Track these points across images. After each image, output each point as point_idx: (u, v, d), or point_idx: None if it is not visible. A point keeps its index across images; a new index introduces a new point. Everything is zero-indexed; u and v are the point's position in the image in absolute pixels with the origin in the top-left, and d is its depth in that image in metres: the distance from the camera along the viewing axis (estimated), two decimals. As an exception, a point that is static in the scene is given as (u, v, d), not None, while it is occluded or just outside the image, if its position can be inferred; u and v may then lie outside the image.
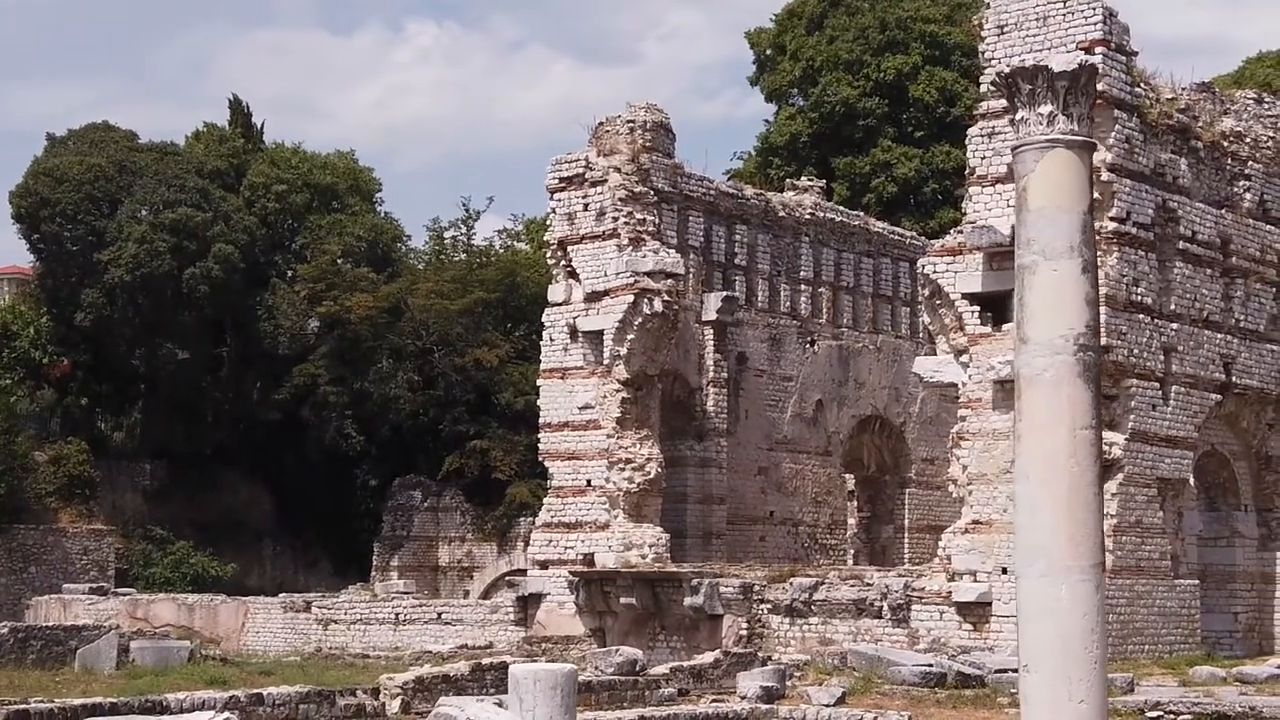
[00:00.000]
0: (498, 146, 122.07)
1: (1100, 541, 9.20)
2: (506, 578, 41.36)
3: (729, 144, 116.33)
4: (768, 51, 58.49)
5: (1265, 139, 30.15)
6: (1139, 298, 26.80)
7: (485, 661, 23.18)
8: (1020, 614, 9.40)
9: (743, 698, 19.54)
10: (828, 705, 18.67)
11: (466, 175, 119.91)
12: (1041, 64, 9.38)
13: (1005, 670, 21.21)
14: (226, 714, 11.31)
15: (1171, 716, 17.44)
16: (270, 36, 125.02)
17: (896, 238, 41.15)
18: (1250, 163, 29.60)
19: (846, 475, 39.95)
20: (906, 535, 39.92)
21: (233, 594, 42.59)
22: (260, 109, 58.42)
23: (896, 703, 19.65)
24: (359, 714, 17.15)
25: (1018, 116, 9.57)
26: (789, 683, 21.02)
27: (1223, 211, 28.94)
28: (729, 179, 42.64)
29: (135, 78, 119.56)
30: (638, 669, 20.32)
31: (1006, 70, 9.68)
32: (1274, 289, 30.17)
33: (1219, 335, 28.64)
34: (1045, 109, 9.33)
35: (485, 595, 47.44)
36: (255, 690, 16.19)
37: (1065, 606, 8.91)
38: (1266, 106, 31.02)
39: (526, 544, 48.80)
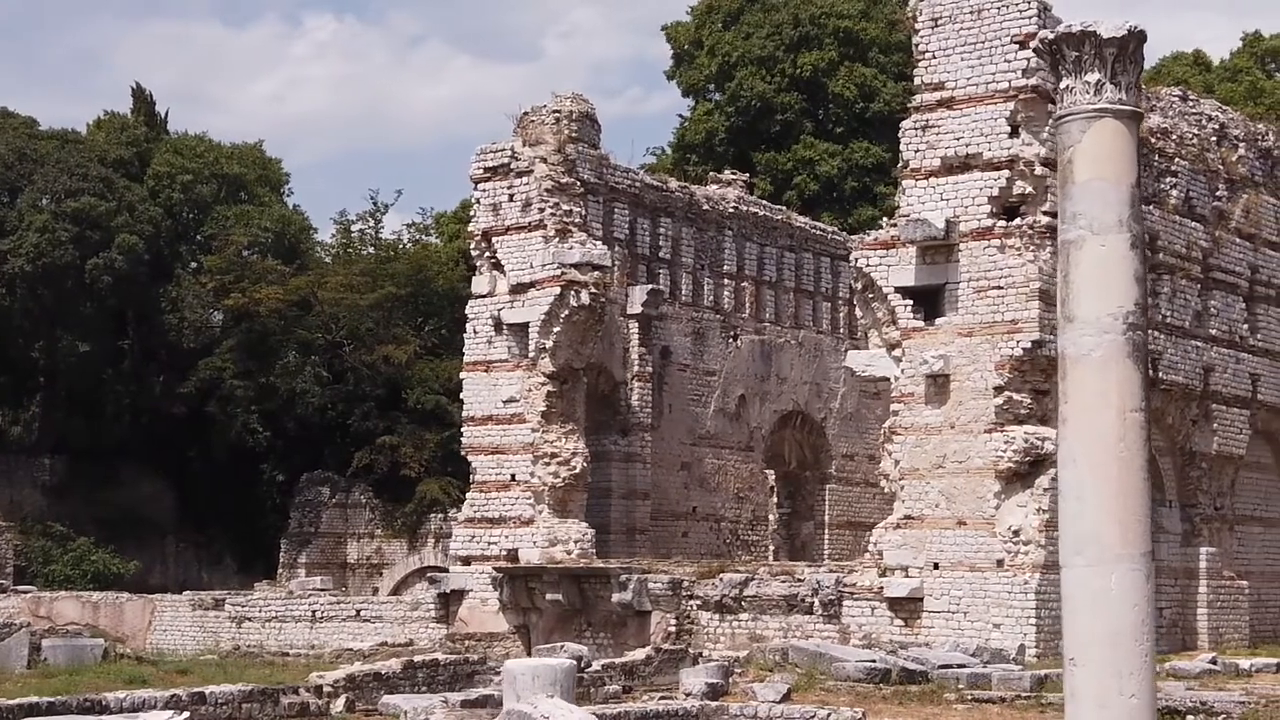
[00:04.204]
0: (397, 141, 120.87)
1: (1149, 529, 8.91)
2: (427, 573, 40.73)
3: (632, 141, 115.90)
4: (685, 46, 58.23)
5: (1190, 136, 30.30)
6: (1071, 293, 26.74)
7: (417, 659, 22.76)
8: (1065, 606, 9.05)
9: (687, 694, 19.18)
10: (775, 702, 18.36)
11: (366, 170, 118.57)
12: (1089, 29, 9.08)
13: (949, 666, 21.08)
14: (185, 714, 10.76)
15: (1125, 711, 17.25)
16: (165, 27, 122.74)
17: (818, 233, 41.01)
18: (1176, 160, 29.71)
19: (768, 471, 39.74)
20: (827, 531, 39.78)
21: (135, 591, 41.64)
22: (157, 99, 57.64)
23: (843, 699, 19.39)
24: (302, 713, 16.59)
25: (1062, 85, 9.26)
26: (730, 679, 20.70)
27: (1150, 208, 28.97)
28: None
29: (28, 66, 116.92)
30: (582, 666, 19.89)
31: (1050, 36, 9.39)
32: (1198, 286, 30.33)
33: (1146, 332, 28.69)
34: (1092, 77, 9.05)
35: (395, 592, 46.86)
36: (197, 689, 15.59)
37: (1115, 597, 8.58)
38: (1191, 105, 31.20)
39: (437, 541, 48.49)
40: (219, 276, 53.32)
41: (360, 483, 50.29)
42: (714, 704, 18.20)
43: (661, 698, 18.90)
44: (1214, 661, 23.56)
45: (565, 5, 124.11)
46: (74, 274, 51.05)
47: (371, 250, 58.29)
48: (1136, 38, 9.14)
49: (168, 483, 54.89)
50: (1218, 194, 30.96)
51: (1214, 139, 31.27)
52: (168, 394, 54.02)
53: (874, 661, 21.11)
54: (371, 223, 59.03)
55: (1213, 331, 30.68)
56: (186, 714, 10.82)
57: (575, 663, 11.17)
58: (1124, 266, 9.10)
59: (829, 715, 17.02)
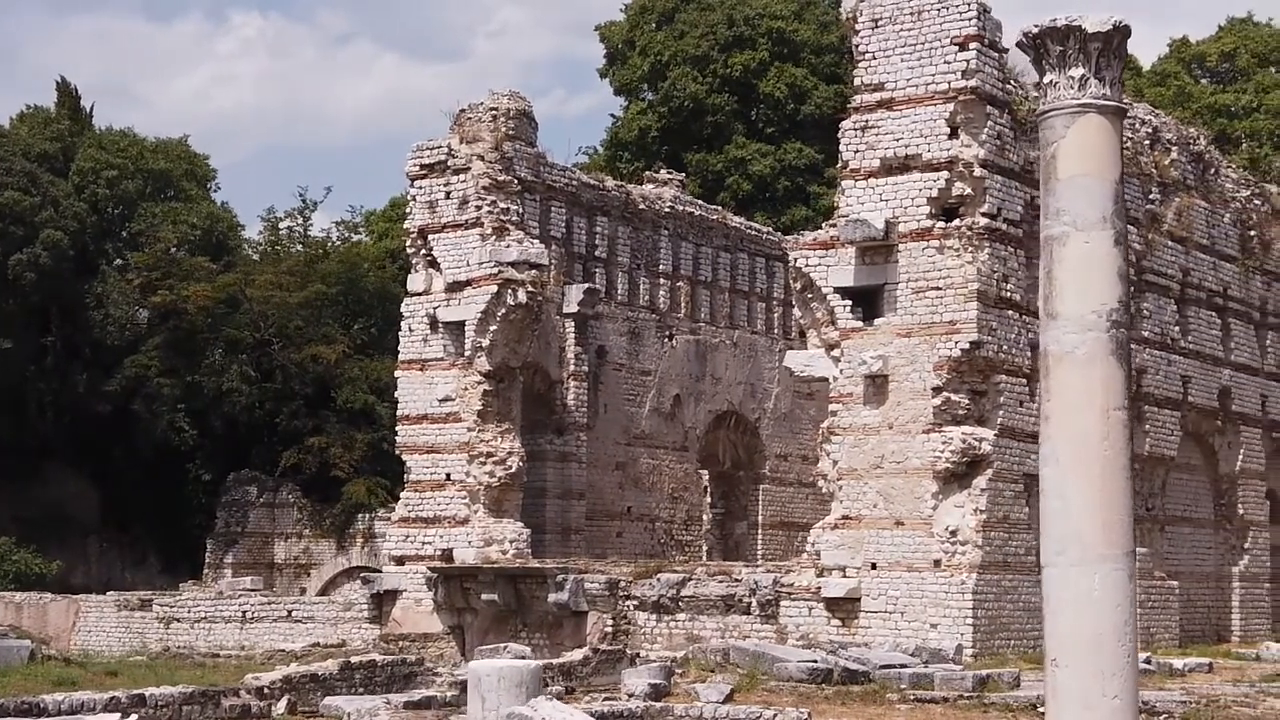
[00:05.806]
0: (325, 139, 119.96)
1: (1132, 529, 8.85)
2: (357, 573, 40.37)
3: (568, 140, 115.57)
4: (618, 45, 58.13)
5: (1125, 141, 30.49)
6: (1008, 294, 26.91)
7: (354, 660, 22.44)
8: (1047, 606, 8.96)
9: (630, 695, 19.02)
10: (719, 702, 18.25)
11: (294, 167, 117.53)
12: (1074, 23, 9.01)
13: (891, 666, 21.06)
14: (135, 715, 10.51)
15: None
16: (89, 22, 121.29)
17: (754, 233, 41.03)
18: (1111, 163, 29.89)
19: (702, 471, 39.70)
20: (760, 531, 39.79)
21: (57, 592, 41.03)
22: (82, 94, 56.95)
23: (786, 699, 19.29)
24: (244, 715, 16.31)
25: (1045, 80, 9.19)
26: (672, 680, 20.56)
27: (1085, 211, 29.13)
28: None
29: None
30: (524, 666, 19.68)
31: (1034, 30, 9.34)
32: (1131, 288, 30.53)
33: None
34: (1076, 72, 8.97)
35: (323, 592, 46.44)
36: (137, 691, 15.28)
37: (1098, 597, 8.48)
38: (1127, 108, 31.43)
39: (365, 541, 48.08)
40: (145, 273, 52.62)
41: (288, 482, 49.76)
42: (658, 705, 18.06)
43: (605, 699, 18.74)
44: (1148, 661, 23.67)
45: (494, 4, 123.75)
46: (-4, 269, 50.24)
47: (300, 248, 57.75)
48: (1121, 33, 9.10)
49: (91, 481, 54.07)
50: (1150, 197, 31.24)
51: (1147, 143, 31.56)
52: (92, 391, 53.17)
53: (815, 662, 21.04)
54: (300, 220, 58.55)
55: (1145, 334, 30.95)
56: (135, 716, 10.57)
57: (540, 664, 11.00)
58: (1108, 263, 9.05)
59: (774, 716, 16.93)
